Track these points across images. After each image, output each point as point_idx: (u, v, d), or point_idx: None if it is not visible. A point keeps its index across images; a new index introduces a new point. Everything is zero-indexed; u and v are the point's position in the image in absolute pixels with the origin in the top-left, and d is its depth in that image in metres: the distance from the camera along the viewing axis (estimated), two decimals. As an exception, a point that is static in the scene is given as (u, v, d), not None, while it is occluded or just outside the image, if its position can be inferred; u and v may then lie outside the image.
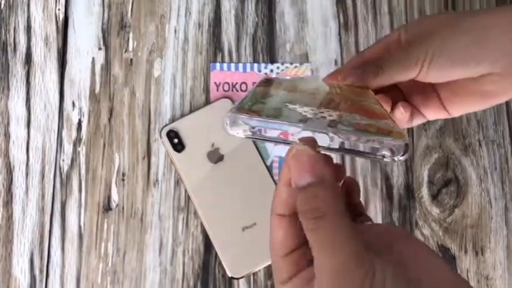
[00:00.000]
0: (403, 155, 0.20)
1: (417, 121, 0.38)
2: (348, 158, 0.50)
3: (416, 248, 0.22)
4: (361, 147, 0.21)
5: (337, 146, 0.21)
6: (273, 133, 0.22)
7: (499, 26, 0.31)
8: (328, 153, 0.21)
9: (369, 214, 0.49)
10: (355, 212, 0.28)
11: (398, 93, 0.37)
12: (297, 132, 0.21)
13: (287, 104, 0.24)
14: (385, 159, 0.20)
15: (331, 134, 0.20)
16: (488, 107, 0.35)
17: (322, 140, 0.21)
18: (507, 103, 0.51)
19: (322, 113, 0.23)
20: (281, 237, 0.23)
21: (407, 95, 0.37)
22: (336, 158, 0.50)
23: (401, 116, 0.35)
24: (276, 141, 0.22)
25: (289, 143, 0.21)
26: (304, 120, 0.21)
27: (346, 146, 0.21)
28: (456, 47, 0.31)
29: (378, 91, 0.35)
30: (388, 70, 0.34)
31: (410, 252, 0.22)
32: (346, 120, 0.22)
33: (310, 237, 0.21)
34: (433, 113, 0.37)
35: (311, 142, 0.21)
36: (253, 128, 0.21)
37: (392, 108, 0.35)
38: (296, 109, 0.23)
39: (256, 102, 0.24)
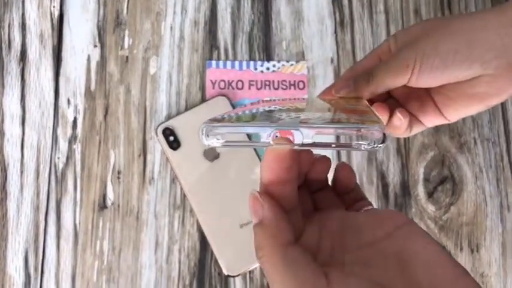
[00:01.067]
0: (381, 142, 0.20)
1: (416, 129, 0.38)
2: (344, 155, 0.50)
3: (416, 237, 0.22)
4: (339, 139, 0.21)
5: (310, 141, 0.21)
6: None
7: (489, 28, 0.31)
8: (305, 149, 0.21)
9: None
10: (352, 198, 0.28)
11: (395, 103, 0.37)
12: (268, 133, 0.21)
13: (265, 112, 0.25)
14: (363, 148, 0.20)
15: (302, 130, 0.21)
16: (483, 110, 0.35)
17: (297, 137, 0.21)
18: (502, 102, 0.51)
19: (299, 115, 0.23)
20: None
21: (403, 103, 0.37)
22: (332, 153, 0.50)
23: (400, 122, 0.35)
24: (253, 145, 0.22)
25: (265, 145, 0.22)
26: (275, 121, 0.21)
27: (322, 140, 0.21)
28: (447, 49, 0.31)
29: (373, 101, 0.35)
30: (379, 76, 0.33)
31: (410, 243, 0.22)
32: (322, 117, 0.22)
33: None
34: (431, 120, 0.37)
35: (284, 141, 0.22)
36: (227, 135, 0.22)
37: (390, 116, 0.35)
38: (272, 113, 0.24)
39: (234, 114, 0.25)
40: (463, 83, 0.33)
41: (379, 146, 0.20)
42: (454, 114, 0.36)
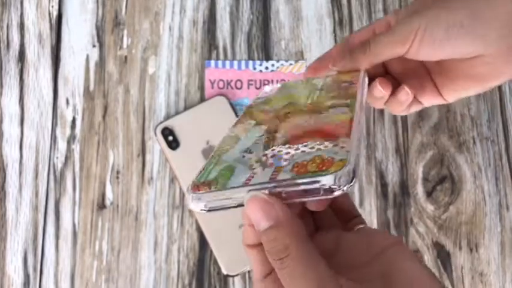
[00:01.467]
0: (350, 182, 0.21)
1: (414, 108, 0.37)
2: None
3: (404, 258, 0.23)
4: (308, 189, 0.21)
5: (285, 196, 0.22)
6: (230, 202, 0.23)
7: (497, 5, 0.30)
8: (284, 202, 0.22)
9: (364, 212, 0.49)
10: (347, 216, 0.28)
11: (393, 80, 0.36)
12: (243, 195, 0.22)
13: (244, 154, 0.25)
14: (335, 193, 0.21)
15: (273, 190, 0.21)
16: (481, 91, 0.34)
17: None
18: (500, 100, 0.51)
19: (274, 155, 0.24)
20: (254, 264, 0.24)
21: (401, 81, 0.36)
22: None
23: (406, 97, 0.34)
24: (237, 206, 0.23)
25: (242, 205, 0.23)
26: (249, 179, 0.22)
27: (293, 193, 0.22)
28: (452, 22, 0.30)
29: (374, 77, 0.34)
30: (377, 44, 0.32)
31: (397, 263, 0.23)
32: (292, 160, 0.23)
33: (280, 275, 0.21)
34: (428, 99, 0.36)
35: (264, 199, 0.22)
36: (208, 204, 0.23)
37: (394, 92, 0.34)
38: (251, 160, 0.24)
39: (216, 163, 0.26)
40: (462, 62, 0.32)
41: (349, 186, 0.21)
42: (452, 94, 0.35)
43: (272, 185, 0.21)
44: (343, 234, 0.26)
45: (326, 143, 0.23)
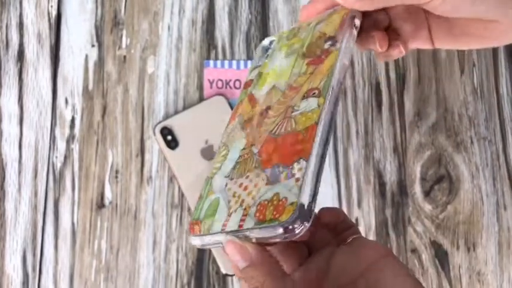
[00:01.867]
0: (308, 220, 0.22)
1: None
2: (341, 155, 0.50)
3: (392, 270, 0.24)
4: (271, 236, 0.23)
5: (254, 241, 0.24)
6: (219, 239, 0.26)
7: None
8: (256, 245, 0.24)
9: (362, 211, 0.49)
10: (341, 228, 0.29)
11: (384, 18, 0.32)
12: (223, 239, 0.25)
13: (226, 182, 0.28)
14: (296, 235, 0.22)
15: (241, 236, 0.24)
16: (477, 48, 0.33)
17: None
18: (498, 100, 0.52)
19: (246, 187, 0.26)
20: None
21: (395, 22, 0.33)
22: (327, 158, 0.50)
23: (399, 55, 0.32)
24: (221, 246, 0.26)
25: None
26: (225, 224, 0.26)
27: (260, 238, 0.24)
28: None
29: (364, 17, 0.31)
30: None
31: (384, 276, 0.24)
32: (258, 198, 0.25)
33: None
34: (417, 45, 0.33)
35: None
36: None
37: (390, 45, 0.32)
38: (230, 190, 0.27)
39: (208, 191, 0.29)
40: (474, 23, 0.30)
41: (310, 222, 0.22)
42: (445, 45, 0.33)
43: (240, 233, 0.24)
44: (336, 250, 0.27)
45: (287, 171, 0.25)
